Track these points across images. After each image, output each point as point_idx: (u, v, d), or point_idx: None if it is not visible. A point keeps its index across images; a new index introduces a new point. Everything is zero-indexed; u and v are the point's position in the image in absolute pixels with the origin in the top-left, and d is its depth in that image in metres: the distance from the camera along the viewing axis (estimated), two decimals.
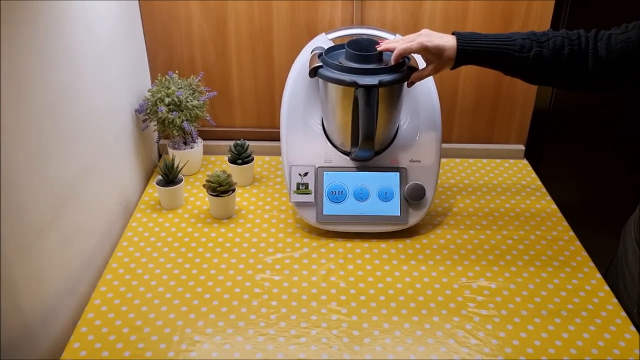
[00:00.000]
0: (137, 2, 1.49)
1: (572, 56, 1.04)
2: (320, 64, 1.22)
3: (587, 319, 1.10)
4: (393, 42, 1.17)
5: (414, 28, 1.51)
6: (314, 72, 1.22)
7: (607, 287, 1.18)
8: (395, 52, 1.15)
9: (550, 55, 1.04)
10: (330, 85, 1.23)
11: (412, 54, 1.19)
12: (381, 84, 1.16)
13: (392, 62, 1.18)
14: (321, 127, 1.35)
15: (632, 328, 1.08)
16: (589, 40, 1.04)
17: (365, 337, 1.05)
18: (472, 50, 1.08)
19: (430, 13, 1.50)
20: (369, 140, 1.21)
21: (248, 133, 1.65)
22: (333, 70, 1.20)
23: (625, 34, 1.01)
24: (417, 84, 1.23)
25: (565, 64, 1.05)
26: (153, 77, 1.59)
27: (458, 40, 1.09)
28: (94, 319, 1.08)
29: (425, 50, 1.12)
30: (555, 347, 1.04)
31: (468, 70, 1.57)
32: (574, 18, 1.58)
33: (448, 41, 1.09)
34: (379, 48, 1.20)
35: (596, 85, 1.07)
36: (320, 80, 1.26)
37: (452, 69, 1.12)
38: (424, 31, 1.14)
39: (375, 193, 1.30)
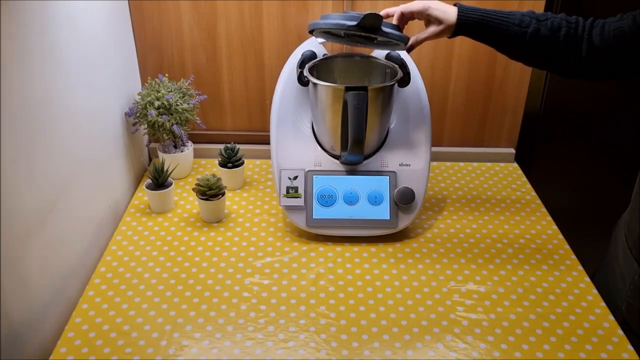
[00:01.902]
0: (127, 5, 1.48)
1: (568, 38, 1.04)
2: (302, 70, 1.23)
3: (575, 322, 1.10)
4: (393, 8, 1.17)
5: (404, 30, 1.50)
6: (301, 80, 1.23)
7: (595, 291, 1.18)
8: (396, 12, 1.14)
9: (548, 34, 1.04)
10: (320, 88, 1.24)
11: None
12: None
13: (395, 22, 1.16)
14: (311, 131, 1.34)
15: (620, 332, 1.08)
16: (585, 26, 1.04)
17: (353, 341, 1.05)
18: (472, 20, 1.08)
19: None
20: (358, 143, 1.21)
21: (238, 136, 1.65)
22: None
23: (618, 22, 1.01)
24: (406, 88, 1.24)
25: (560, 45, 1.05)
26: (143, 80, 1.59)
27: (459, 9, 1.09)
28: (82, 324, 1.07)
29: (426, 13, 1.11)
30: (543, 351, 1.04)
31: (459, 73, 1.58)
32: None
33: (449, 10, 1.10)
34: (381, 13, 1.17)
35: (589, 72, 1.06)
36: (311, 84, 1.26)
37: (449, 37, 1.12)
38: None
39: (365, 197, 1.30)
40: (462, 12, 1.09)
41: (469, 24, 1.09)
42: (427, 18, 1.12)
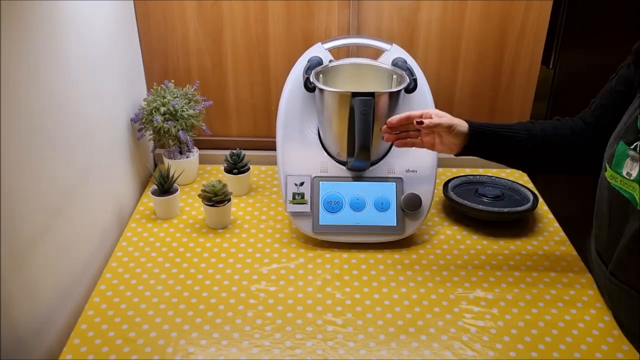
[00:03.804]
0: (133, 11, 1.48)
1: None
2: (308, 76, 1.24)
3: (583, 331, 1.09)
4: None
5: (410, 36, 1.51)
6: (307, 86, 1.24)
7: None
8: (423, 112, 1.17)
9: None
10: (327, 94, 1.23)
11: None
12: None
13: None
14: (317, 137, 1.34)
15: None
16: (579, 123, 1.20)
17: (360, 348, 1.05)
18: (481, 129, 1.16)
19: (427, 22, 1.50)
20: (364, 150, 1.21)
21: (244, 142, 1.65)
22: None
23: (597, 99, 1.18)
24: (413, 94, 1.24)
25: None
26: (149, 86, 1.59)
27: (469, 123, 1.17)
28: (87, 330, 1.07)
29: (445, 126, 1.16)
30: (552, 359, 1.03)
31: (464, 79, 1.58)
32: (570, 25, 1.58)
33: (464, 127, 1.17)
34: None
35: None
36: (317, 90, 1.26)
37: (457, 152, 1.19)
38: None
39: (372, 203, 1.30)
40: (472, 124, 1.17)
41: (478, 132, 1.16)
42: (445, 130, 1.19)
